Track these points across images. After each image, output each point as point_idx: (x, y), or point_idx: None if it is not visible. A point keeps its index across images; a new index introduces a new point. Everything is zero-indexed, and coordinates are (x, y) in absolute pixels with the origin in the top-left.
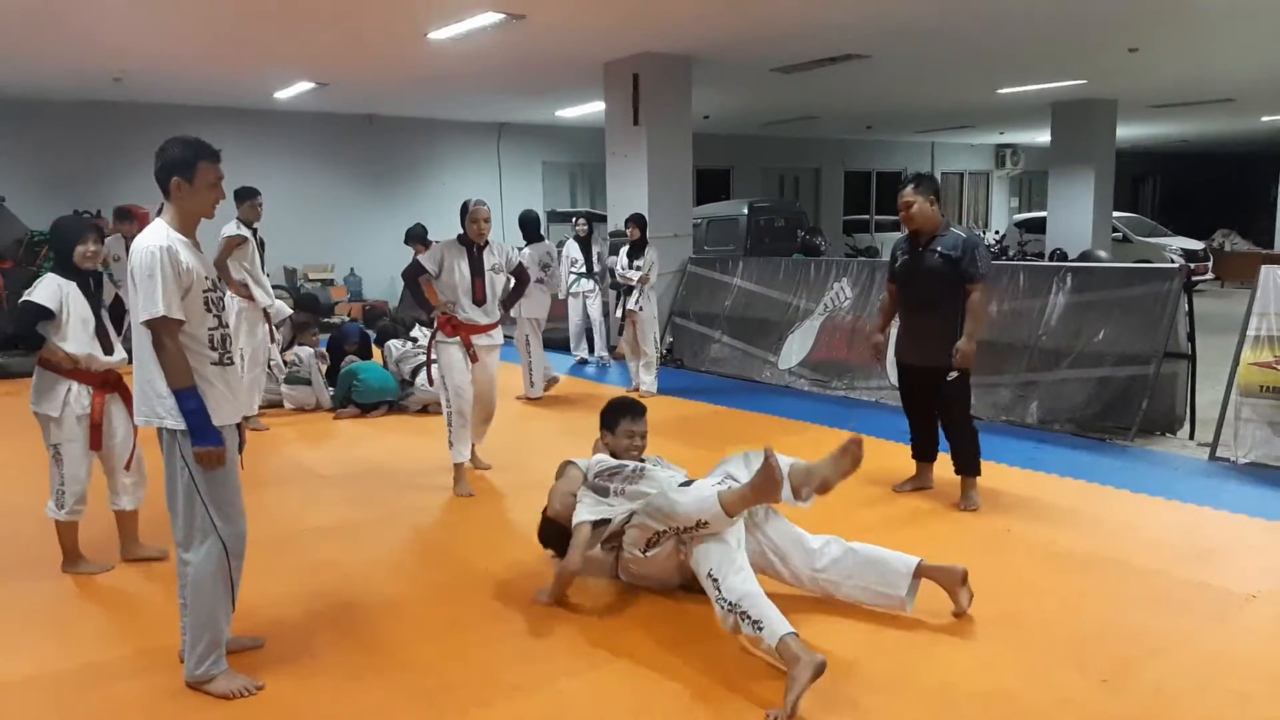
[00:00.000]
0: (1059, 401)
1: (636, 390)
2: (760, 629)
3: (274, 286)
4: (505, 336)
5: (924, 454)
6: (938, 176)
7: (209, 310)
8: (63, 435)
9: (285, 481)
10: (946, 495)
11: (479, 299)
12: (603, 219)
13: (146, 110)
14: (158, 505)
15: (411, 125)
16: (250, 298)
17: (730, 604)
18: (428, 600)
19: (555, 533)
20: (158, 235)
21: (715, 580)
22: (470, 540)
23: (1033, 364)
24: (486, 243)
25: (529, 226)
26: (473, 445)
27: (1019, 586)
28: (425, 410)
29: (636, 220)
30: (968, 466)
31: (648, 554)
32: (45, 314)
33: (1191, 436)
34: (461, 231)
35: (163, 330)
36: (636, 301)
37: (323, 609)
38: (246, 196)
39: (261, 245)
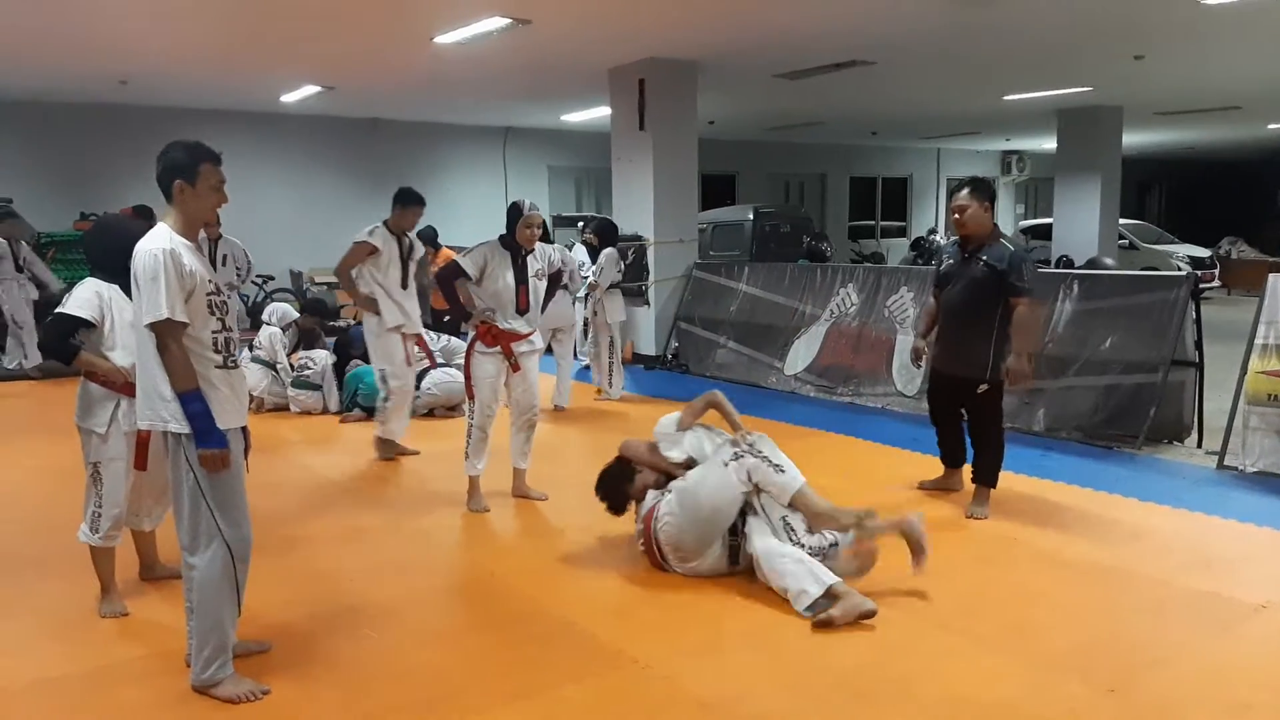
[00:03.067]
0: (1066, 409)
1: (599, 393)
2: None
3: (279, 290)
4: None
5: (954, 460)
6: (943, 181)
7: (213, 313)
8: (106, 453)
9: (291, 485)
10: (955, 502)
11: (522, 308)
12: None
13: (152, 113)
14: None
15: (417, 129)
16: (377, 313)
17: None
18: (433, 606)
19: (618, 475)
20: (160, 238)
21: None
22: (476, 545)
23: (1039, 371)
24: (531, 249)
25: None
26: (523, 474)
27: (1025, 595)
28: (431, 414)
29: (594, 227)
30: (987, 477)
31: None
32: (81, 324)
33: (1199, 445)
34: (504, 233)
35: (167, 333)
36: (589, 307)
37: (328, 614)
38: (407, 202)
39: (408, 253)
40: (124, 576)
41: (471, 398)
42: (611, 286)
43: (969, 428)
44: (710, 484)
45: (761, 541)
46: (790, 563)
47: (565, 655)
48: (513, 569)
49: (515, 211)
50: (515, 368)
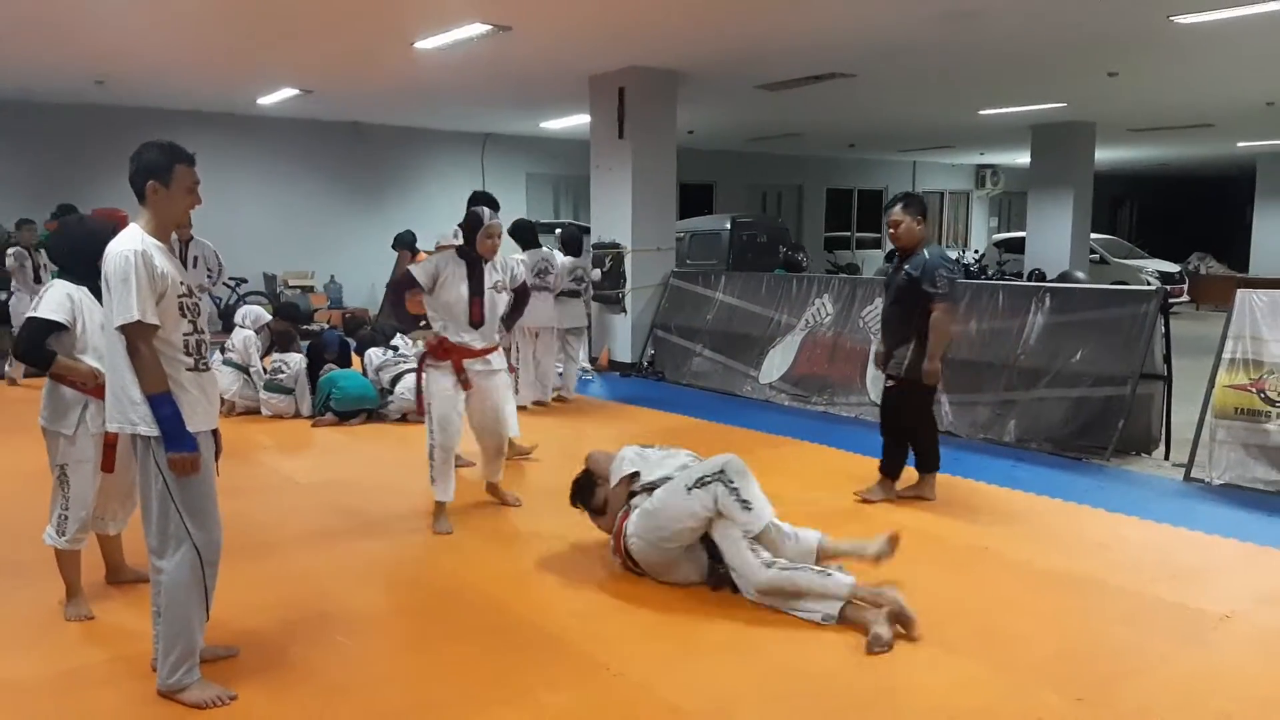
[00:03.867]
0: (1037, 420)
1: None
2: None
3: (252, 293)
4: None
5: (890, 469)
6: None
7: (184, 315)
8: (74, 455)
9: (262, 490)
10: (927, 510)
11: (476, 320)
12: (586, 230)
13: (128, 114)
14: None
15: (395, 134)
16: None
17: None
18: (405, 612)
19: (585, 486)
20: (132, 239)
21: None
22: (449, 552)
23: (1011, 383)
24: (491, 259)
25: (524, 234)
26: (495, 485)
27: (997, 604)
28: (404, 419)
29: (561, 235)
30: (924, 465)
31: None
32: (56, 328)
33: (1167, 457)
34: (462, 244)
35: (137, 335)
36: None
37: (298, 620)
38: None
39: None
40: (90, 580)
41: (423, 413)
42: (563, 294)
43: (905, 425)
44: (671, 510)
45: (741, 559)
46: (798, 575)
47: (541, 663)
48: (487, 576)
49: (474, 221)
50: (466, 385)
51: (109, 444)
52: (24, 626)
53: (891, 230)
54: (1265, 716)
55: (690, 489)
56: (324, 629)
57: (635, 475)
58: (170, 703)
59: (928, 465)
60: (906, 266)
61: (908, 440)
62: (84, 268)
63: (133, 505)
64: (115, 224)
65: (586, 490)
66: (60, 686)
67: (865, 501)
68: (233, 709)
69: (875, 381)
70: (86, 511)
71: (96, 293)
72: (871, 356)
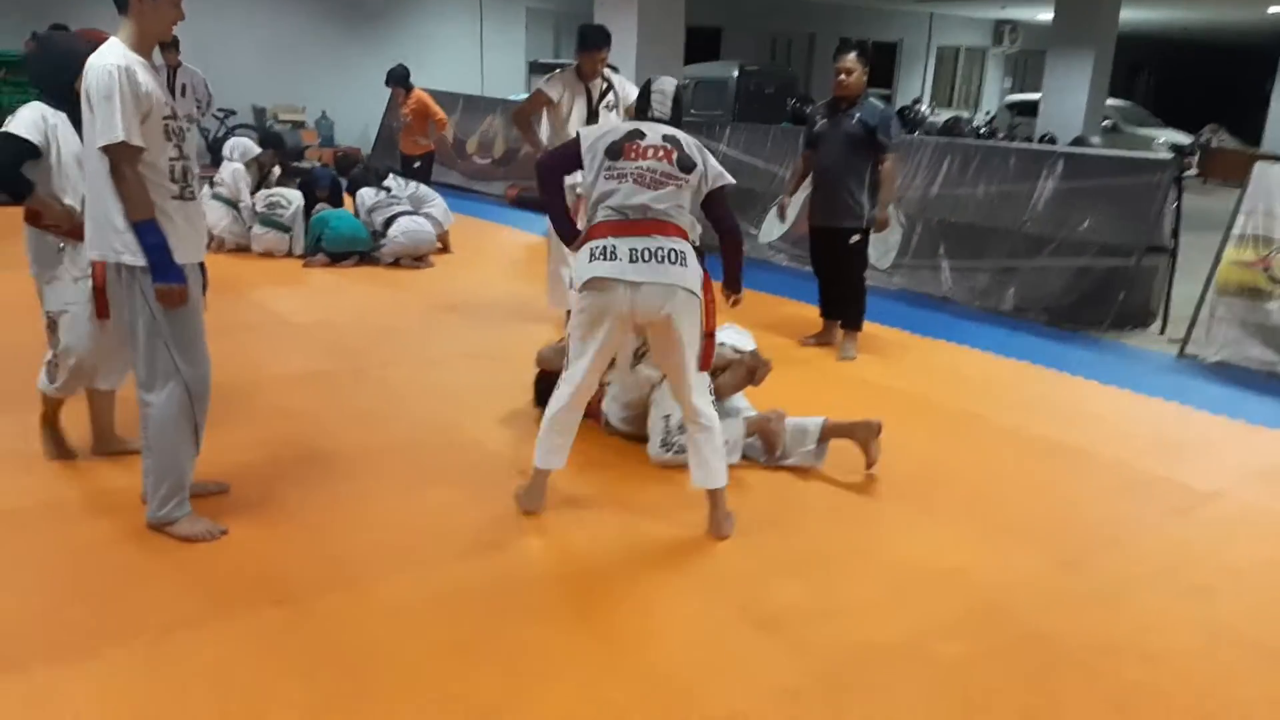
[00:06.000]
0: (1037, 290)
1: None
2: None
3: (241, 126)
4: None
5: (832, 312)
6: (933, 50)
7: (169, 139)
8: (61, 300)
9: (251, 327)
10: (920, 377)
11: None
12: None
13: None
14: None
15: None
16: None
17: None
18: (394, 454)
19: (546, 387)
20: (114, 54)
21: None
22: (440, 397)
23: (1014, 250)
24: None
25: None
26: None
27: (985, 470)
28: (397, 263)
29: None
30: (854, 323)
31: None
32: (29, 150)
33: (1162, 332)
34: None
35: (122, 157)
36: None
37: (288, 458)
38: (584, 43)
39: (597, 103)
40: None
41: (565, 361)
42: None
43: (837, 279)
44: (629, 389)
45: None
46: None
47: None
48: (479, 422)
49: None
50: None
51: (99, 287)
52: (7, 456)
53: (844, 77)
54: (1239, 588)
55: (633, 367)
56: (313, 468)
57: None
58: (160, 535)
59: (860, 322)
60: (858, 115)
61: (846, 291)
62: (64, 89)
63: (126, 361)
64: (99, 44)
65: (551, 388)
66: (47, 517)
67: (809, 344)
68: (223, 543)
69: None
70: (77, 359)
71: (75, 122)
72: (776, 206)
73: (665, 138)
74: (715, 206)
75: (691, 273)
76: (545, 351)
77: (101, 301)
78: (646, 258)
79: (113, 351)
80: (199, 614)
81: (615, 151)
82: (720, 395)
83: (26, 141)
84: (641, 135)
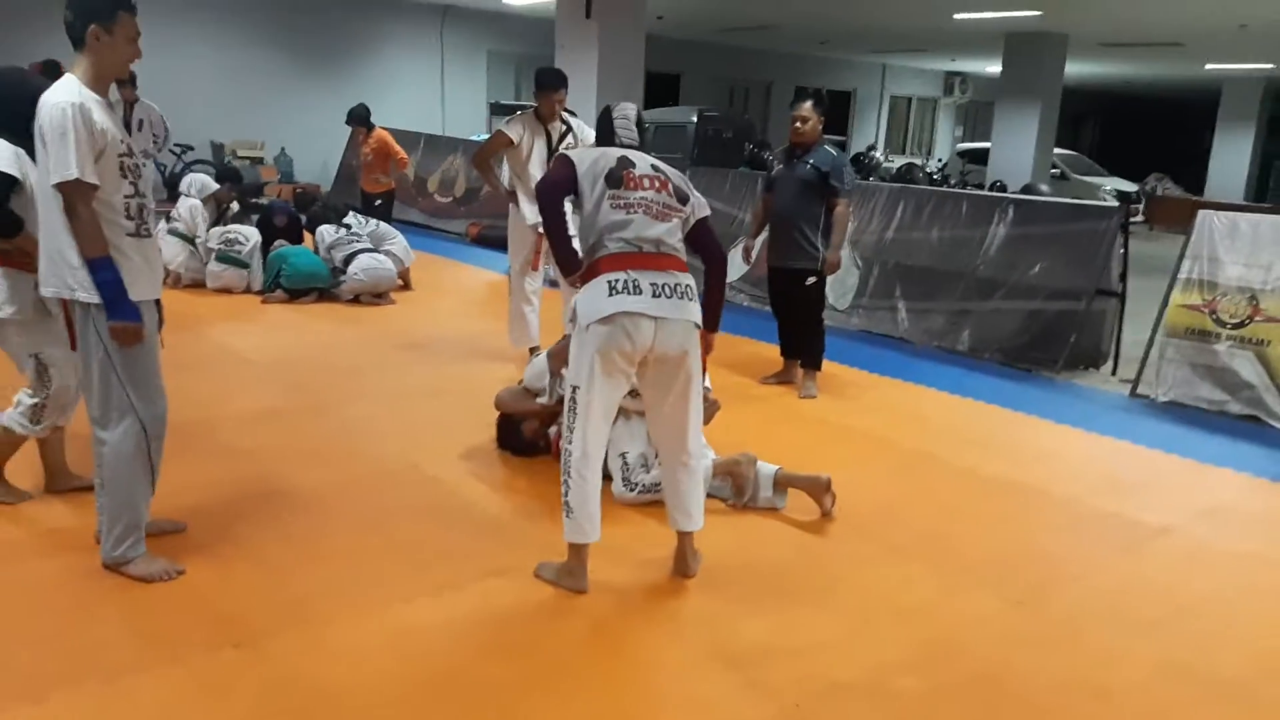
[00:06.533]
0: (991, 331)
1: None
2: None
3: (198, 161)
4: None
5: (791, 351)
6: (886, 99)
7: (124, 176)
8: (43, 338)
9: (209, 365)
10: (876, 416)
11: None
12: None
13: None
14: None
15: (352, 1)
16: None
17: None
18: (352, 493)
19: (508, 429)
20: (69, 91)
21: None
22: (398, 435)
23: (968, 292)
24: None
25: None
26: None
27: (941, 509)
28: (357, 300)
29: None
30: (813, 362)
31: None
32: (12, 182)
33: (1114, 373)
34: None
35: (76, 195)
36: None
37: (246, 497)
38: (541, 84)
39: (556, 144)
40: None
41: (571, 408)
42: None
43: (795, 318)
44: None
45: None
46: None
47: (492, 547)
48: (438, 459)
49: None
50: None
51: (69, 321)
52: None
53: (799, 125)
54: (1186, 625)
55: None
56: (270, 507)
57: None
58: (115, 575)
59: (819, 362)
60: (812, 160)
61: (805, 331)
62: (21, 124)
63: (78, 396)
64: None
65: (513, 430)
66: None
67: (770, 383)
68: (178, 583)
69: (835, 286)
70: (67, 399)
71: (33, 155)
72: (741, 250)
73: (653, 167)
74: (702, 235)
75: (698, 308)
76: (503, 394)
77: (72, 334)
78: (668, 293)
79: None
80: (151, 656)
81: (616, 179)
82: None
83: (9, 175)
84: (631, 164)
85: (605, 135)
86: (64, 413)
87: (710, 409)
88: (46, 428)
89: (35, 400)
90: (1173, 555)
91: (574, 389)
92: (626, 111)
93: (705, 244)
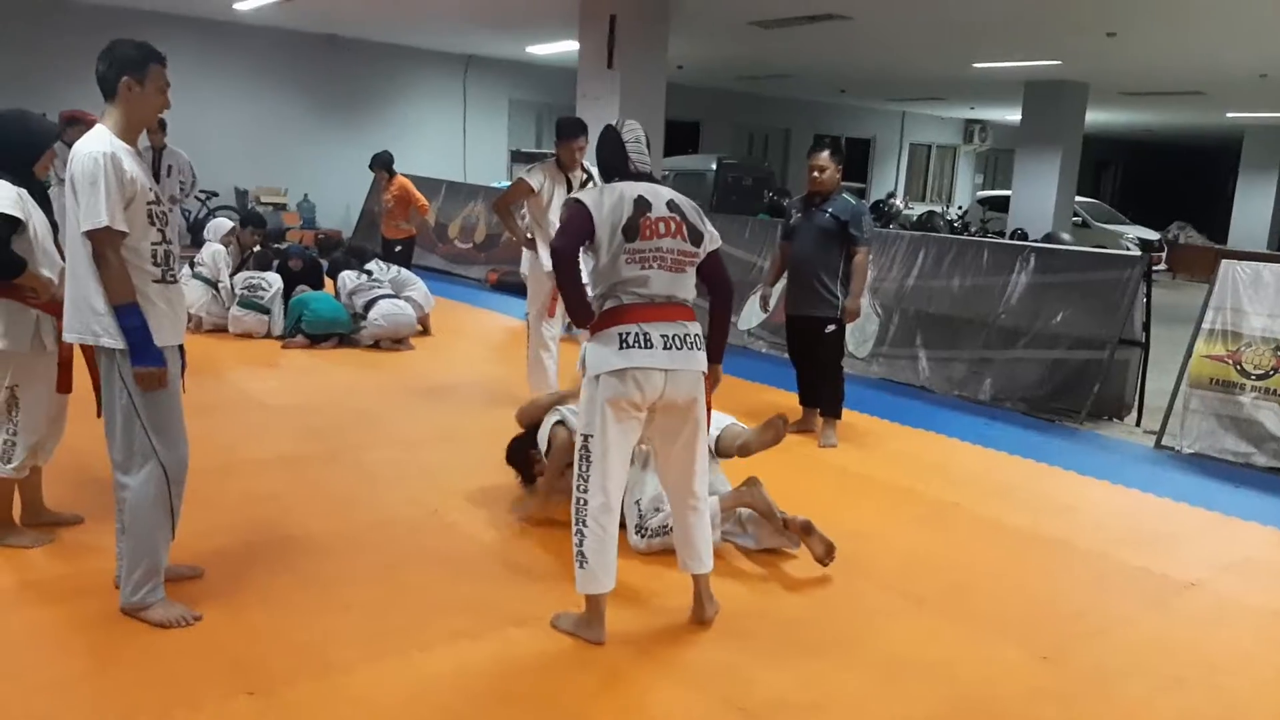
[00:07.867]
0: (1013, 380)
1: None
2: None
3: (222, 208)
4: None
5: (810, 400)
6: (906, 146)
7: (153, 224)
8: (26, 374)
9: (229, 410)
10: (899, 466)
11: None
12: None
13: (95, 12)
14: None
15: (375, 50)
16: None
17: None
18: (370, 539)
19: (522, 449)
20: (100, 141)
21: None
22: (418, 481)
23: (990, 341)
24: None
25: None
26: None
27: (965, 561)
28: (377, 345)
29: None
30: (833, 410)
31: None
32: (15, 223)
33: (1138, 423)
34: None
35: (105, 242)
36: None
37: (263, 542)
38: (561, 134)
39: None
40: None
41: (584, 456)
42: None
43: (815, 367)
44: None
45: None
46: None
47: (512, 596)
48: (456, 505)
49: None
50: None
51: (64, 361)
52: None
53: (817, 174)
54: (1214, 681)
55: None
56: (288, 552)
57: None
58: (133, 621)
59: (839, 410)
60: (830, 209)
61: (824, 380)
62: (23, 167)
63: (60, 432)
64: (67, 125)
65: (528, 447)
66: (19, 599)
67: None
68: (195, 629)
69: (854, 334)
70: (38, 436)
71: (35, 197)
72: (759, 299)
73: (669, 205)
74: (713, 265)
75: (704, 354)
76: (526, 407)
77: (65, 376)
78: (678, 344)
79: (55, 426)
80: (167, 703)
81: (632, 231)
82: None
83: (11, 217)
84: (648, 206)
85: (618, 161)
86: (38, 454)
87: (773, 431)
88: (24, 467)
89: (3, 435)
90: (1200, 610)
91: (586, 438)
92: (637, 133)
93: (714, 274)
